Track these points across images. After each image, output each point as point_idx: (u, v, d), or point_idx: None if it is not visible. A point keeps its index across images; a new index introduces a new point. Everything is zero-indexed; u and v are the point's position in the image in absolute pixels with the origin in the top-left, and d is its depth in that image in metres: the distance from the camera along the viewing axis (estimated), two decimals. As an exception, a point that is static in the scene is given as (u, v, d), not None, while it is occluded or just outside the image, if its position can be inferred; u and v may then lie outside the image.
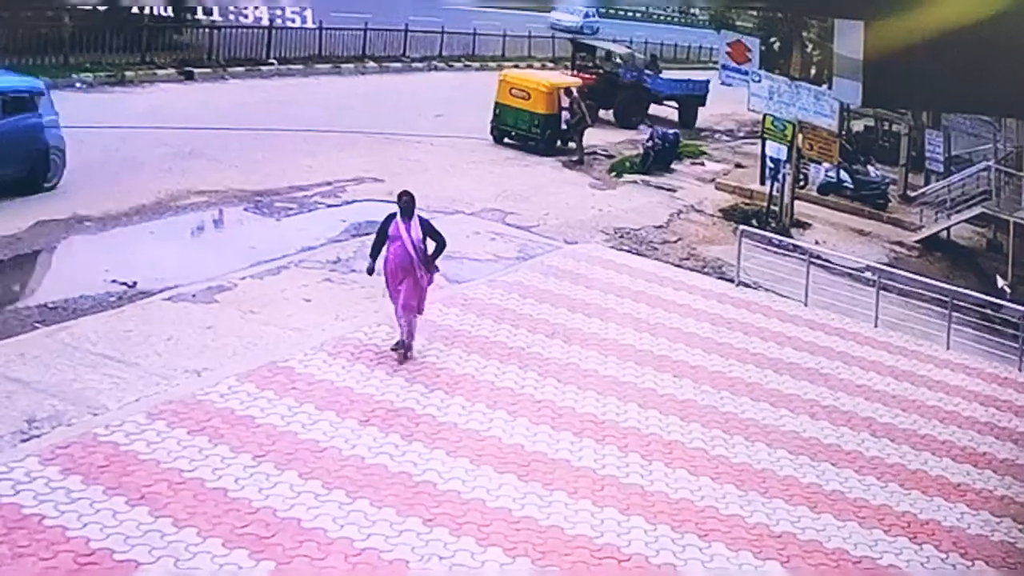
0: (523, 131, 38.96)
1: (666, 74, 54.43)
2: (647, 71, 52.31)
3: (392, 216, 18.21)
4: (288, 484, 13.74)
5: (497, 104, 39.41)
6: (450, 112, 42.72)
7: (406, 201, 18.21)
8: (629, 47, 56.28)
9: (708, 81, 51.59)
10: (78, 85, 35.58)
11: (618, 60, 51.64)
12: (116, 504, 12.72)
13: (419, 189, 29.43)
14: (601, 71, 50.63)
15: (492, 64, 54.27)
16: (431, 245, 18.31)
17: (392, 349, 18.26)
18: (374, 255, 18.29)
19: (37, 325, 17.72)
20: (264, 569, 12.01)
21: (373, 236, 18.39)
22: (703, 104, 52.75)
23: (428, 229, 18.28)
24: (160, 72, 39.53)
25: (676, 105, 52.42)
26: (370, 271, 18.37)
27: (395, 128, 37.65)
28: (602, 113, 47.07)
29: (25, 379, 15.57)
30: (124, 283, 19.99)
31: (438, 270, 18.72)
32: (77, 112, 31.16)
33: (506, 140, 39.36)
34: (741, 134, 52.40)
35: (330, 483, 13.93)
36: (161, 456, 13.90)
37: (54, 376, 15.82)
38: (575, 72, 49.15)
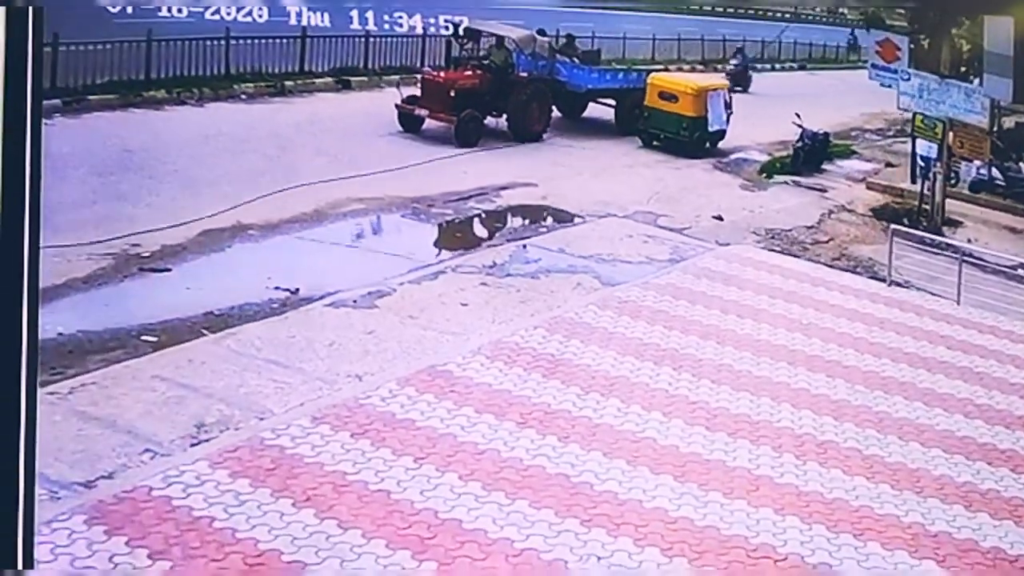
0: (671, 134, 38.73)
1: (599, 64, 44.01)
2: (561, 59, 40.16)
3: None
4: (449, 486, 14.06)
5: (645, 107, 39.22)
6: (598, 112, 42.71)
7: None
8: (538, 31, 40.41)
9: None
10: (243, 97, 36.26)
11: (510, 47, 37.96)
12: (283, 506, 13.16)
13: (572, 193, 29.99)
14: (489, 64, 37.59)
15: (642, 67, 54.02)
16: None
17: None
18: None
19: (204, 332, 18.24)
20: (427, 570, 12.32)
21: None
22: None
23: None
24: (318, 82, 40.08)
25: (613, 103, 40.69)
26: None
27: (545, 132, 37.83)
28: (492, 121, 36.05)
29: (193, 385, 16.09)
30: (287, 290, 20.47)
31: None
32: (239, 123, 31.88)
33: (654, 143, 39.17)
34: (891, 133, 51.77)
35: (490, 484, 14.22)
36: (325, 459, 14.32)
37: (221, 381, 16.33)
38: (453, 68, 37.98)
